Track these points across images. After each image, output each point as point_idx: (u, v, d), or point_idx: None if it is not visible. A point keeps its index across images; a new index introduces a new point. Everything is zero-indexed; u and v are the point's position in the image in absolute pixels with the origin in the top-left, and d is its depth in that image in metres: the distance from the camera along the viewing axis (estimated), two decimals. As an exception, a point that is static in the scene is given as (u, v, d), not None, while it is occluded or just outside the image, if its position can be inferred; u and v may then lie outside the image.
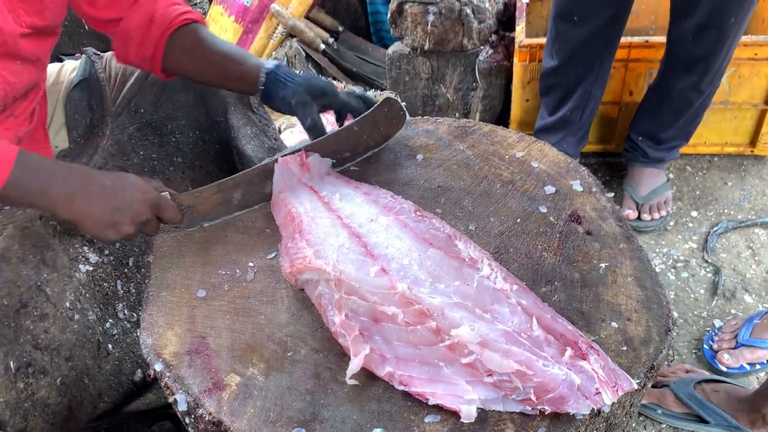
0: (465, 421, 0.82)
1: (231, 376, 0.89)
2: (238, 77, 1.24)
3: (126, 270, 1.29)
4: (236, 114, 1.47)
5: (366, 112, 1.25)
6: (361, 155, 1.28)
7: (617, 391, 0.82)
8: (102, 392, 1.22)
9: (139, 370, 1.28)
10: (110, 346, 1.24)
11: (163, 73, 1.29)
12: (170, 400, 0.91)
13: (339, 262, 0.95)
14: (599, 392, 0.81)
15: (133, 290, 1.30)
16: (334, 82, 1.23)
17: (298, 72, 1.24)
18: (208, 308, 1.00)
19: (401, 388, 0.87)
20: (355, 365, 0.86)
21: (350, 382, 0.87)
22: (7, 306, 1.08)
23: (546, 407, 0.82)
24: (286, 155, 1.19)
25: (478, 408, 0.83)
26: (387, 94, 2.41)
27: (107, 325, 1.24)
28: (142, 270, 1.31)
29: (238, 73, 1.23)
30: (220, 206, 1.16)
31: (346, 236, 1.02)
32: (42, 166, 0.99)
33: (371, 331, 0.91)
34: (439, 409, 0.84)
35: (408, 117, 1.30)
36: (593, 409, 0.81)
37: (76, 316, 1.18)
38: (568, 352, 0.85)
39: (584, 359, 0.84)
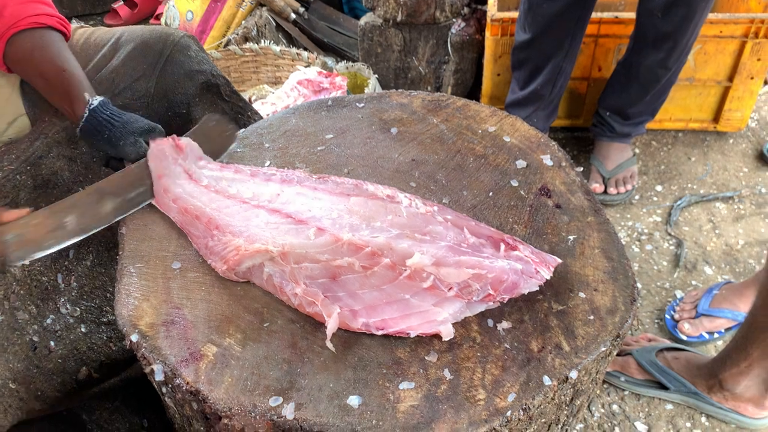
0: (445, 339, 0.90)
1: (208, 346, 0.90)
2: (62, 99, 1.17)
3: (66, 263, 1.25)
4: (200, 106, 1.42)
5: (195, 126, 1.23)
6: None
7: (549, 267, 0.95)
8: (44, 393, 1.17)
9: (84, 367, 1.24)
10: (52, 343, 1.19)
11: (6, 67, 1.22)
12: (147, 370, 0.92)
13: (276, 238, 0.97)
14: (538, 271, 0.93)
15: (75, 284, 1.26)
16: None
17: (122, 112, 1.18)
18: (184, 279, 1.01)
19: (380, 333, 0.91)
20: (331, 326, 0.88)
21: (329, 345, 0.89)
22: None
23: (504, 296, 0.93)
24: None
25: (451, 372, 0.86)
26: (359, 65, 2.40)
27: (48, 321, 1.20)
28: (84, 262, 1.27)
29: (63, 95, 1.17)
30: (52, 233, 1.02)
31: (266, 213, 1.03)
32: None
33: (333, 289, 0.93)
34: (413, 375, 0.87)
35: (240, 132, 1.27)
36: (539, 286, 0.94)
37: (0, 318, 1.14)
38: (502, 246, 0.96)
39: (515, 250, 0.96)
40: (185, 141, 1.17)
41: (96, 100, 1.16)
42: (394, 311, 0.92)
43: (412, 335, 0.91)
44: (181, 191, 1.10)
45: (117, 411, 1.35)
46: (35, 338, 1.17)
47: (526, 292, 0.94)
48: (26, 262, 0.99)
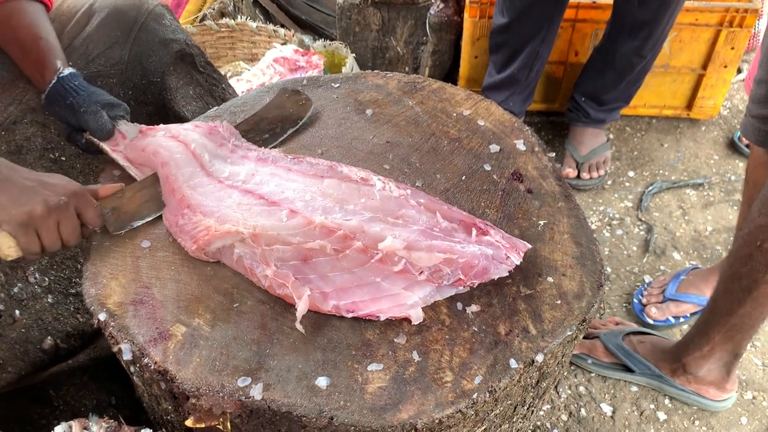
0: (415, 323, 0.91)
1: (176, 326, 0.90)
2: (33, 66, 1.17)
3: None
4: (175, 75, 1.40)
5: (270, 100, 1.28)
6: (281, 135, 1.23)
7: (519, 253, 0.95)
8: (6, 362, 1.16)
9: (50, 337, 1.23)
10: (17, 312, 1.18)
11: None
12: (114, 349, 0.92)
13: (247, 219, 0.96)
14: (508, 257, 0.94)
15: None
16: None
17: (90, 86, 1.18)
18: (153, 259, 1.00)
19: (350, 315, 0.91)
20: (302, 308, 0.88)
21: (299, 327, 0.89)
22: None
23: (474, 281, 0.93)
24: None
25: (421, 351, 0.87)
26: (337, 44, 2.38)
27: (15, 290, 1.19)
28: None
29: (35, 62, 1.17)
30: (147, 204, 1.07)
31: (239, 194, 1.03)
32: None
33: (304, 272, 0.93)
34: (382, 356, 0.87)
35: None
36: (509, 270, 0.95)
37: None
38: (474, 231, 0.96)
39: (487, 235, 0.96)
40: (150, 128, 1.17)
41: (67, 70, 1.16)
42: (365, 294, 0.92)
43: (382, 318, 0.91)
44: (167, 155, 1.10)
45: (85, 387, 1.35)
46: (1, 306, 1.15)
47: (496, 277, 0.95)
48: (125, 230, 1.03)
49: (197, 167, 1.09)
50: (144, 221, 1.05)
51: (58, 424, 1.20)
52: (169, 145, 1.12)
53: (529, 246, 0.98)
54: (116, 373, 1.34)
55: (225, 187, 1.04)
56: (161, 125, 1.19)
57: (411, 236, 0.93)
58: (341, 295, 0.92)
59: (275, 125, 1.23)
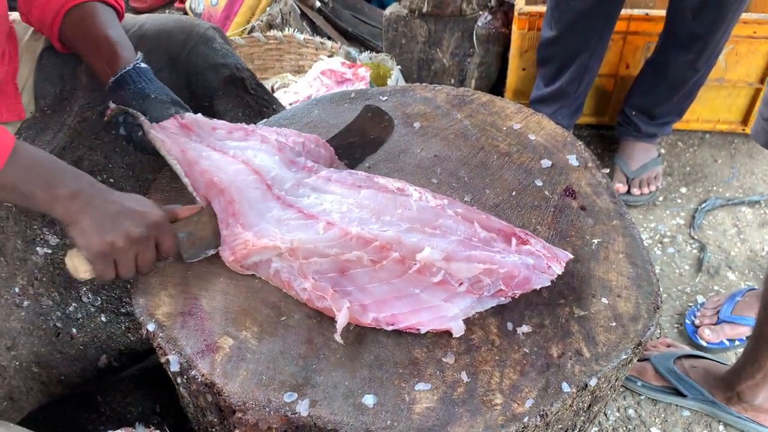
0: (456, 336, 0.89)
1: (224, 338, 0.90)
2: (104, 61, 1.15)
3: None
4: (224, 99, 1.39)
5: (352, 120, 1.24)
6: (360, 161, 1.20)
7: (561, 262, 0.93)
8: (66, 378, 1.18)
9: (104, 355, 1.24)
10: (74, 330, 1.20)
11: (60, 44, 1.23)
12: (162, 360, 0.92)
13: (285, 234, 0.95)
14: (550, 266, 0.92)
15: None
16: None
17: (161, 83, 1.17)
18: (202, 270, 1.00)
19: (390, 328, 0.90)
20: (341, 320, 0.87)
21: (338, 339, 0.88)
22: None
23: (516, 291, 0.91)
24: None
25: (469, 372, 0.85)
26: (382, 56, 2.38)
27: (70, 308, 1.20)
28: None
29: (106, 57, 1.15)
30: (218, 233, 1.02)
31: (279, 208, 1.01)
32: (48, 159, 0.94)
33: (343, 284, 0.93)
34: (430, 376, 0.85)
35: (394, 125, 1.27)
36: (551, 279, 0.92)
37: (26, 303, 1.14)
38: (513, 241, 0.94)
39: (527, 244, 0.94)
40: (189, 117, 1.12)
41: (143, 63, 1.16)
42: (404, 306, 0.91)
43: (423, 330, 0.90)
44: (209, 164, 1.06)
45: (130, 394, 1.36)
46: (58, 324, 1.17)
47: (538, 287, 0.93)
48: (198, 259, 1.00)
49: (237, 162, 1.07)
50: (218, 250, 1.01)
51: (105, 430, 1.22)
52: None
53: (571, 256, 0.95)
54: (161, 382, 1.35)
55: (271, 198, 1.03)
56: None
57: (449, 247, 0.91)
58: (380, 307, 0.91)
59: (355, 149, 1.21)
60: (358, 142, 1.22)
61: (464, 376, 0.85)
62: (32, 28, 1.29)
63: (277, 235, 0.96)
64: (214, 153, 1.08)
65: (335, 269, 0.94)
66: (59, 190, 0.90)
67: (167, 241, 0.96)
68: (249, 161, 1.06)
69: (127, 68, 1.13)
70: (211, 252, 1.01)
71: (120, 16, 1.26)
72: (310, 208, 1.00)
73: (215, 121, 1.13)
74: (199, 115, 1.12)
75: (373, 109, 1.26)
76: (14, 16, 1.29)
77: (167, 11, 3.26)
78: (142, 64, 1.15)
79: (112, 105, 1.13)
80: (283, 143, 1.11)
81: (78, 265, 0.93)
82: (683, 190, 2.20)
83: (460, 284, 0.90)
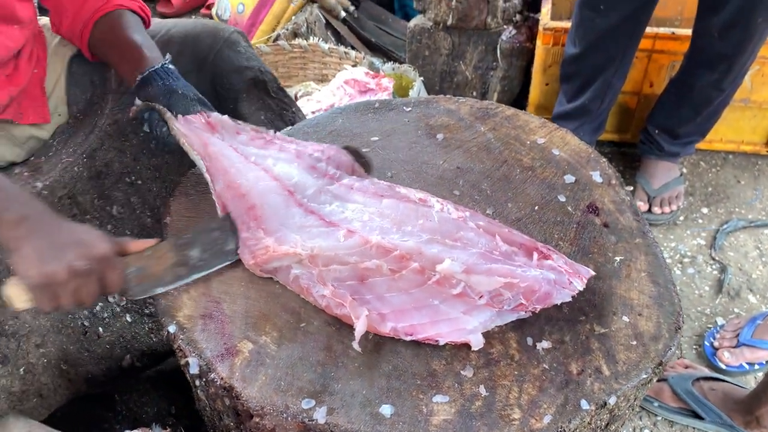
0: (475, 349, 0.89)
1: (244, 342, 0.90)
2: (131, 63, 1.16)
3: None
4: (248, 101, 1.41)
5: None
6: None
7: (582, 279, 0.92)
8: (93, 376, 1.18)
9: (128, 355, 1.25)
10: (101, 329, 1.20)
11: (90, 52, 1.25)
12: (182, 362, 0.93)
13: (306, 240, 0.96)
14: (571, 282, 0.91)
15: None
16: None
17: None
18: (223, 274, 1.01)
19: (408, 338, 0.90)
20: (360, 327, 0.88)
21: (356, 347, 0.88)
22: None
23: (537, 306, 0.91)
24: None
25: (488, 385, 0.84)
26: (405, 67, 2.39)
27: (97, 308, 1.21)
28: None
29: (133, 60, 1.16)
30: (173, 268, 0.98)
31: (302, 215, 1.01)
32: (3, 183, 0.91)
33: (361, 292, 0.93)
34: (448, 388, 0.85)
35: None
36: (572, 295, 0.92)
37: None
38: (535, 255, 0.94)
39: (548, 259, 0.94)
40: (216, 117, 1.12)
41: (172, 65, 1.16)
42: (423, 317, 0.91)
43: (441, 342, 0.90)
44: (229, 163, 1.06)
45: (147, 394, 1.37)
46: (86, 323, 1.19)
47: (558, 302, 0.92)
48: (145, 296, 0.97)
49: (258, 169, 1.08)
50: (168, 288, 0.97)
51: (121, 428, 1.23)
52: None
53: (593, 273, 0.95)
54: (178, 384, 1.36)
55: (292, 204, 1.03)
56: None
57: (470, 259, 0.91)
58: (399, 317, 0.91)
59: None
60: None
61: (483, 390, 0.85)
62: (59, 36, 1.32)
63: (297, 241, 0.96)
64: (235, 155, 1.08)
65: (354, 277, 0.94)
66: (6, 215, 0.87)
67: (112, 275, 0.91)
68: (269, 169, 1.07)
69: (155, 66, 1.14)
70: (161, 290, 0.97)
71: (146, 24, 1.29)
72: (332, 216, 1.01)
73: (240, 125, 1.14)
74: (226, 116, 1.13)
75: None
76: (44, 21, 1.32)
77: (193, 17, 3.29)
78: (170, 65, 1.16)
79: (137, 102, 1.14)
80: (302, 151, 1.11)
81: (16, 295, 0.89)
82: (705, 210, 2.18)
83: (480, 297, 0.90)
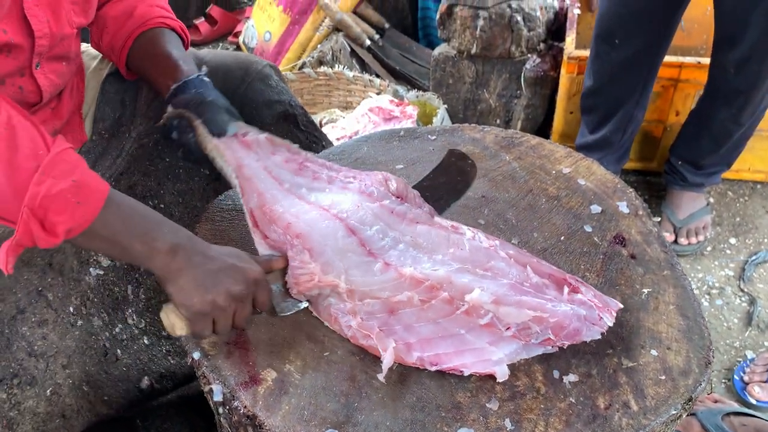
0: (500, 380, 0.88)
1: (268, 371, 0.90)
2: (166, 75, 1.16)
3: (137, 275, 1.27)
4: (276, 133, 1.38)
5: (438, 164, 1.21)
6: (444, 208, 1.17)
7: (612, 313, 0.92)
8: (110, 399, 1.19)
9: (146, 377, 1.25)
10: (119, 351, 1.21)
11: (127, 70, 1.26)
12: (205, 389, 0.93)
13: (347, 272, 0.93)
14: (601, 318, 0.90)
15: (143, 296, 1.28)
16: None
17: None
18: (248, 301, 1.01)
19: (433, 368, 0.89)
20: (387, 360, 0.87)
21: (381, 379, 0.87)
22: (1, 312, 1.06)
23: (565, 342, 0.90)
24: None
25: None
26: (429, 95, 2.40)
27: (116, 330, 1.22)
28: (153, 275, 1.29)
29: (168, 72, 1.16)
30: None
31: (344, 232, 0.97)
32: (144, 210, 0.92)
33: (390, 323, 0.92)
34: (473, 421, 0.84)
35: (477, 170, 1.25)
36: (602, 332, 0.91)
37: (79, 322, 1.16)
38: (566, 289, 0.93)
39: (578, 292, 0.93)
40: (252, 137, 1.10)
41: (207, 77, 1.17)
42: (449, 346, 0.91)
43: (466, 373, 0.89)
44: (263, 187, 1.04)
45: (169, 419, 1.37)
46: (107, 344, 1.20)
47: (588, 339, 0.91)
48: (291, 312, 0.98)
49: (291, 196, 1.05)
50: (306, 304, 0.98)
51: (143, 454, 1.22)
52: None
53: (621, 305, 0.94)
54: (199, 409, 1.36)
55: (331, 217, 0.99)
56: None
57: (500, 290, 0.91)
58: (425, 346, 0.91)
59: (440, 196, 1.18)
60: (443, 187, 1.20)
61: (508, 424, 0.84)
62: (99, 56, 1.34)
63: (341, 272, 0.93)
64: (270, 179, 1.06)
65: (384, 310, 0.93)
66: (157, 244, 0.88)
67: (263, 296, 0.92)
68: (303, 197, 1.05)
69: (191, 77, 1.14)
70: (304, 305, 0.98)
71: (185, 45, 1.29)
72: (372, 243, 0.97)
73: (276, 144, 1.12)
74: (264, 135, 1.12)
75: (456, 153, 1.23)
76: (84, 47, 1.35)
77: (221, 44, 3.36)
78: (205, 78, 1.16)
79: (169, 109, 1.13)
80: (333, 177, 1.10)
81: (175, 322, 0.90)
82: (732, 240, 2.14)
83: (508, 329, 0.90)
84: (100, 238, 0.88)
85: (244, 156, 1.08)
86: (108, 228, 0.87)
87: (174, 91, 1.14)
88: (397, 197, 1.07)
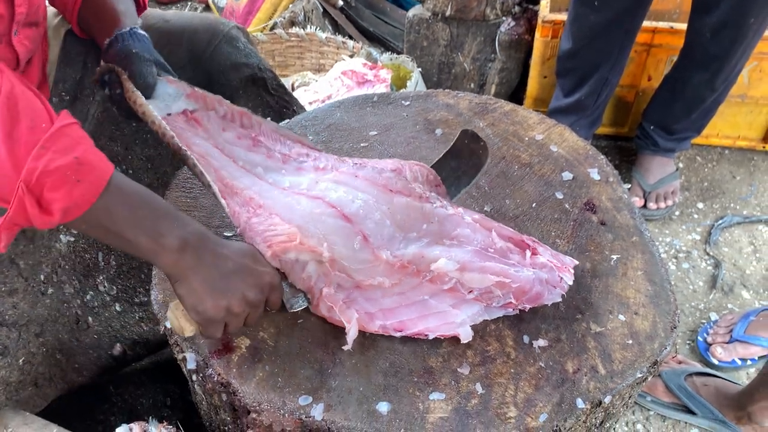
0: (464, 341, 0.89)
1: (241, 338, 0.90)
2: (107, 30, 1.10)
3: None
4: (244, 98, 1.37)
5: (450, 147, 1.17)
6: (455, 194, 1.14)
7: (569, 270, 0.94)
8: (81, 366, 1.17)
9: (118, 344, 1.24)
10: (90, 318, 1.20)
11: (78, 28, 1.21)
12: (179, 357, 0.93)
13: (326, 237, 0.90)
14: (561, 279, 0.93)
15: (114, 263, 1.26)
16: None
17: (153, 48, 1.11)
18: (221, 268, 1.00)
19: (398, 334, 0.90)
20: (353, 332, 0.87)
21: (347, 349, 0.87)
22: None
23: (526, 305, 0.93)
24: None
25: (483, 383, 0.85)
26: (403, 58, 2.37)
27: (87, 297, 1.20)
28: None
29: (110, 27, 1.10)
30: None
31: (307, 201, 0.94)
32: (151, 199, 0.84)
33: (353, 296, 0.92)
34: (444, 386, 0.86)
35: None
36: (562, 295, 0.94)
37: (50, 290, 1.14)
38: (528, 253, 0.95)
39: (536, 254, 0.95)
40: (201, 115, 1.04)
41: (141, 30, 1.11)
42: (412, 312, 0.92)
43: (431, 337, 0.90)
44: (219, 165, 1.00)
45: (143, 386, 1.37)
46: (79, 312, 1.19)
47: (549, 303, 0.94)
48: (300, 308, 0.93)
49: (251, 176, 1.02)
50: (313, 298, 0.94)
51: (116, 420, 1.23)
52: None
53: (576, 262, 0.97)
54: (173, 375, 1.36)
55: (291, 194, 0.97)
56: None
57: (465, 257, 0.92)
58: (388, 315, 0.92)
59: (452, 179, 1.14)
60: (456, 170, 1.16)
61: (479, 388, 0.85)
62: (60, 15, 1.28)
63: (321, 238, 0.89)
64: (224, 157, 1.02)
65: (353, 286, 0.93)
66: (165, 239, 0.81)
67: (277, 297, 0.89)
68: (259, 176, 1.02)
69: (123, 30, 1.09)
70: (308, 302, 0.94)
71: (140, 8, 1.24)
72: (344, 207, 0.93)
73: (226, 122, 1.08)
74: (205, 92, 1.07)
75: (469, 134, 1.18)
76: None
77: (189, 4, 3.27)
78: (139, 30, 1.11)
79: (102, 65, 1.07)
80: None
81: (184, 326, 0.85)
82: (700, 205, 2.18)
83: (470, 292, 0.91)
84: (103, 227, 0.80)
85: (191, 136, 1.02)
86: (111, 216, 0.79)
87: (107, 46, 1.09)
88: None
